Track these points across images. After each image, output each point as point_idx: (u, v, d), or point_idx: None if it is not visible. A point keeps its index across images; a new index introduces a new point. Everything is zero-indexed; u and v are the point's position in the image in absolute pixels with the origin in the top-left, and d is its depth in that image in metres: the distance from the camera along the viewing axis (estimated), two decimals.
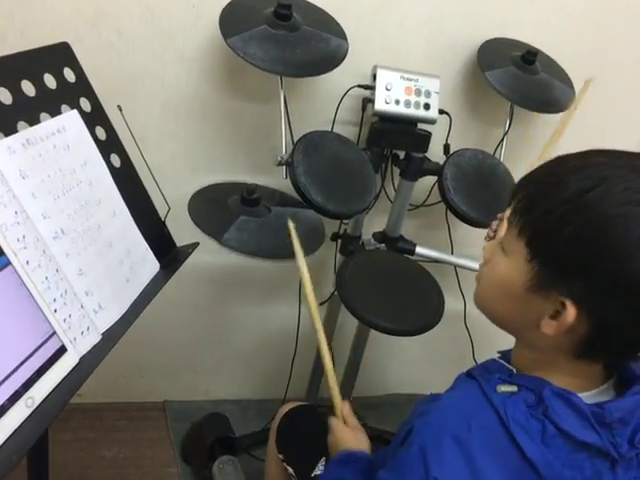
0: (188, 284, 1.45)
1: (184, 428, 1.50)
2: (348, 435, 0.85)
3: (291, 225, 0.92)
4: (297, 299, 1.47)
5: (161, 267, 0.88)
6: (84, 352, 0.67)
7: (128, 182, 0.84)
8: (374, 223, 1.45)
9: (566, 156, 0.60)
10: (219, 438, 1.39)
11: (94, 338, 0.69)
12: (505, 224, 0.63)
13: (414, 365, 1.85)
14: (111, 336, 0.72)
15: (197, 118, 1.25)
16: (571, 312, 0.56)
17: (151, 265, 0.85)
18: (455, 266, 1.48)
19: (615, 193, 0.54)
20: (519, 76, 1.28)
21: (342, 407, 0.90)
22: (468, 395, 0.63)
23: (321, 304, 1.47)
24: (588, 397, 0.61)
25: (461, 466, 0.57)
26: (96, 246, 0.74)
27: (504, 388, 0.60)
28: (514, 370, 0.64)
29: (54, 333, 0.64)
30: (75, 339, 0.66)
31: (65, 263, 0.67)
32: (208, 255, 1.36)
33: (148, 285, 0.84)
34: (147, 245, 0.85)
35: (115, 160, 0.83)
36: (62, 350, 0.65)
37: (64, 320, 0.65)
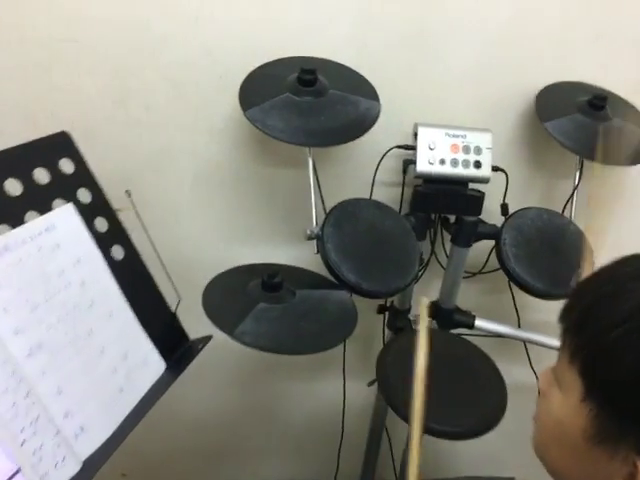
0: (230, 360, 1.38)
1: None
2: None
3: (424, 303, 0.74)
4: (341, 377, 1.35)
5: (169, 366, 0.79)
6: None
7: (132, 275, 0.78)
8: (427, 291, 1.31)
9: (626, 258, 0.46)
10: None
11: (71, 469, 0.61)
12: None
13: (488, 442, 1.64)
14: (95, 461, 0.63)
15: (230, 188, 1.19)
16: None
17: (155, 366, 0.77)
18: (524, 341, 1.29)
19: None
20: (587, 124, 1.11)
21: None
22: None
23: (369, 385, 1.33)
24: None
25: None
26: (83, 356, 0.67)
27: None
28: None
29: (18, 471, 0.56)
30: (46, 474, 0.58)
31: (40, 383, 0.60)
32: None
33: (151, 389, 0.75)
34: (152, 344, 0.77)
35: (117, 252, 0.77)
36: None
37: (33, 453, 0.57)
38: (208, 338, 0.83)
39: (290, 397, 1.47)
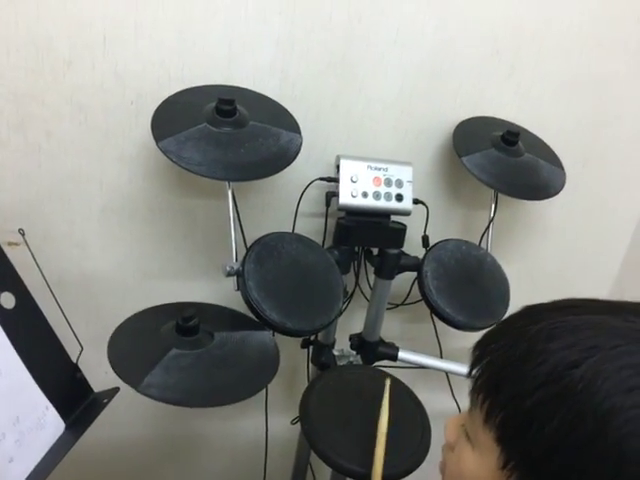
0: (146, 399, 1.28)
1: None
2: None
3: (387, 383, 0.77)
4: (263, 414, 1.30)
5: (70, 424, 0.71)
6: None
7: (25, 324, 0.69)
8: (352, 323, 1.29)
9: (536, 307, 0.45)
10: None
11: None
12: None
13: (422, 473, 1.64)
14: None
15: (143, 220, 1.11)
16: None
17: (52, 427, 0.69)
18: (446, 372, 1.30)
19: (611, 375, 0.38)
20: (501, 159, 1.15)
21: None
22: None
23: (293, 423, 1.29)
24: None
25: None
26: None
27: None
28: None
29: None
30: None
31: None
32: None
33: (49, 451, 0.67)
34: (48, 402, 0.69)
35: (7, 300, 0.68)
36: None
37: None
38: (115, 390, 0.76)
39: (209, 437, 1.40)
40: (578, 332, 0.41)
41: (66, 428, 0.70)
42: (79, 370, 0.75)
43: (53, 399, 0.70)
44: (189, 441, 1.40)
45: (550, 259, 1.40)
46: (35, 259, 0.74)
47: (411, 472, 0.89)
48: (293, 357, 1.28)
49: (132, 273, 1.15)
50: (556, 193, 1.16)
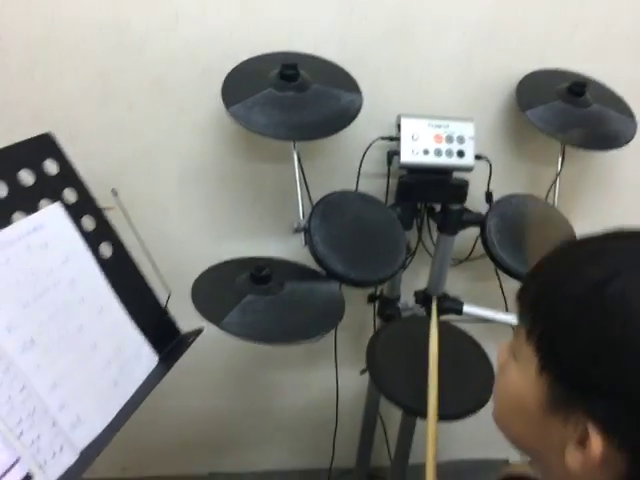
0: (226, 354, 1.40)
1: None
2: None
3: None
4: (334, 366, 1.37)
5: (161, 359, 0.81)
6: (55, 476, 0.61)
7: (121, 272, 0.79)
8: (416, 280, 1.33)
9: (580, 240, 0.48)
10: None
11: (69, 458, 0.63)
12: None
13: (479, 425, 1.67)
14: (92, 451, 0.65)
15: (216, 185, 1.20)
16: (596, 442, 0.42)
17: (147, 360, 0.79)
18: (512, 327, 1.31)
19: (638, 287, 0.42)
20: (567, 111, 1.13)
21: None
22: None
23: (361, 373, 1.36)
24: None
25: None
26: (76, 351, 0.68)
27: None
28: None
29: (18, 460, 0.58)
30: (45, 462, 0.60)
31: (35, 377, 0.62)
32: None
33: (144, 382, 0.77)
34: (144, 339, 0.79)
35: (106, 250, 0.79)
36: (27, 478, 0.58)
37: (31, 443, 0.59)
38: (199, 331, 0.85)
39: (284, 388, 1.49)
40: (615, 255, 0.44)
41: (159, 362, 0.80)
42: (167, 312, 0.85)
43: (147, 336, 0.80)
44: (263, 394, 1.50)
45: (621, 215, 1.36)
46: (126, 214, 0.83)
47: (472, 413, 0.93)
48: (360, 312, 1.34)
49: (208, 235, 1.25)
50: (626, 142, 1.13)
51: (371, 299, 1.29)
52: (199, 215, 1.22)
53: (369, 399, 1.40)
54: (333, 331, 1.33)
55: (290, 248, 1.23)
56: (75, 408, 0.65)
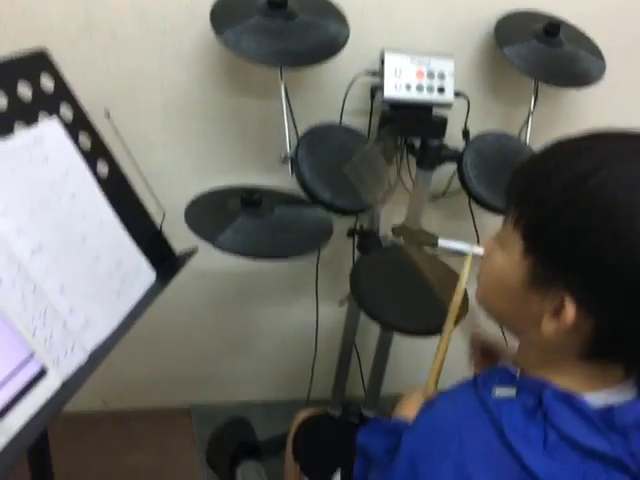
0: (207, 289, 1.43)
1: (210, 432, 1.48)
2: (412, 407, 0.76)
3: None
4: (314, 300, 1.43)
5: (158, 276, 0.84)
6: (68, 373, 0.64)
7: (118, 190, 0.81)
8: (393, 216, 1.38)
9: (567, 139, 0.53)
10: (241, 443, 1.36)
11: (79, 357, 0.66)
12: None
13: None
14: (99, 353, 0.68)
15: (200, 118, 1.21)
16: (570, 311, 0.49)
17: (145, 276, 0.82)
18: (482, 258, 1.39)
19: (619, 179, 0.47)
20: (542, 50, 1.18)
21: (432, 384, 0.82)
22: (463, 403, 0.56)
23: (341, 304, 1.42)
24: (597, 398, 0.53)
25: None
26: (81, 260, 0.71)
27: (500, 392, 0.54)
28: (517, 373, 0.57)
29: (33, 355, 0.61)
30: (57, 360, 0.63)
31: (45, 280, 0.64)
32: (224, 258, 1.33)
33: (142, 297, 0.80)
34: (141, 255, 0.82)
35: (102, 168, 0.80)
36: (42, 373, 0.62)
37: (44, 340, 0.62)
38: (193, 251, 0.88)
39: (263, 322, 1.54)
40: (600, 150, 0.50)
41: (156, 278, 0.83)
42: (162, 233, 0.88)
43: (144, 253, 0.82)
44: (243, 328, 1.55)
45: None
46: (120, 136, 0.84)
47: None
48: (339, 247, 1.39)
49: (192, 169, 1.26)
50: (595, 81, 1.19)
51: (350, 233, 1.34)
52: (183, 148, 1.23)
53: (346, 330, 1.47)
54: (314, 264, 1.38)
55: (274, 182, 1.26)
56: (83, 312, 0.68)
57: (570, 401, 0.51)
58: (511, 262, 0.54)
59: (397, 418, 0.73)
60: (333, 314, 1.50)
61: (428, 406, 0.61)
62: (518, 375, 0.56)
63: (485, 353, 0.78)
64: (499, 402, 0.53)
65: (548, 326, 0.51)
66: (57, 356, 0.63)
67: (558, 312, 0.50)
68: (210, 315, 1.49)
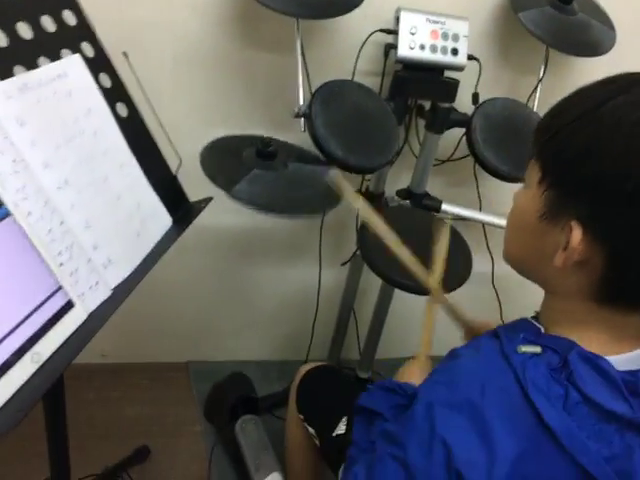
0: (208, 246, 1.43)
1: (206, 388, 1.51)
2: (412, 373, 0.79)
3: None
4: (317, 261, 1.44)
5: (173, 222, 0.84)
6: (93, 307, 0.65)
7: (136, 133, 0.80)
8: (398, 180, 1.39)
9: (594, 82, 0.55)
10: (241, 397, 1.38)
11: (103, 293, 0.67)
12: None
13: (438, 327, 1.80)
14: (122, 291, 0.69)
15: (211, 69, 1.19)
16: (576, 234, 0.51)
17: (163, 220, 0.82)
18: (483, 224, 1.41)
19: (630, 104, 0.49)
20: (555, 17, 1.18)
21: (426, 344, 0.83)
22: (486, 356, 0.57)
23: (343, 264, 1.44)
24: (622, 362, 0.54)
25: (472, 431, 0.51)
26: (103, 198, 0.70)
27: (525, 348, 0.55)
28: (542, 329, 0.59)
29: (60, 288, 0.61)
30: (83, 294, 0.64)
31: (70, 215, 0.64)
32: (227, 216, 1.33)
33: (160, 240, 0.80)
34: (158, 199, 0.81)
35: (122, 110, 0.79)
36: (69, 305, 0.62)
37: (70, 274, 0.63)
38: (209, 199, 0.88)
39: (263, 283, 1.55)
40: (618, 83, 0.52)
41: (173, 223, 0.83)
42: (177, 180, 0.87)
43: (161, 198, 0.82)
44: (243, 287, 1.56)
45: None
46: (137, 78, 0.83)
47: (457, 288, 1.03)
48: (341, 211, 1.39)
49: (200, 122, 1.25)
50: (605, 52, 1.20)
51: None
52: (190, 102, 1.22)
53: (346, 293, 1.50)
54: (317, 225, 1.39)
55: (282, 138, 1.25)
56: (106, 250, 0.68)
57: (595, 363, 0.53)
58: (530, 196, 0.56)
59: (391, 381, 0.75)
60: (333, 276, 1.52)
61: (450, 356, 0.62)
62: (543, 331, 0.58)
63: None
64: (524, 359, 0.54)
65: (558, 258, 0.53)
66: (82, 291, 0.64)
67: (568, 243, 0.52)
68: (210, 272, 1.49)
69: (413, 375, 0.78)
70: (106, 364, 1.56)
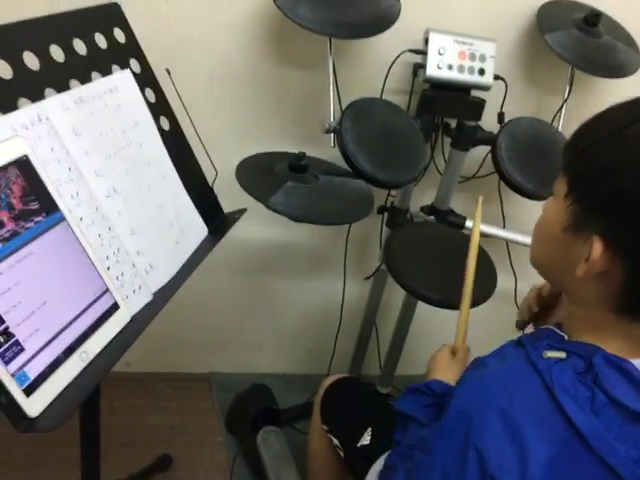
0: (233, 259, 1.46)
1: (228, 399, 1.52)
2: (445, 364, 0.80)
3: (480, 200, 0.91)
4: (342, 275, 1.46)
5: (209, 232, 0.87)
6: (136, 310, 0.67)
7: (177, 146, 0.84)
8: (422, 196, 1.41)
9: (615, 106, 0.57)
10: (263, 409, 1.39)
11: (146, 297, 0.69)
12: None
13: (442, 332, 1.80)
14: (162, 297, 0.72)
15: (245, 86, 1.23)
16: (597, 248, 0.53)
17: (199, 229, 0.85)
18: (507, 242, 1.42)
19: None
20: (581, 39, 1.20)
21: (461, 339, 0.85)
22: (512, 364, 0.59)
23: (366, 279, 1.45)
24: None
25: (504, 437, 0.53)
26: (147, 207, 0.74)
27: (551, 354, 0.57)
28: (565, 336, 0.60)
29: (107, 290, 0.64)
30: (127, 297, 0.66)
31: (117, 222, 0.67)
32: (253, 229, 1.36)
33: (196, 249, 0.83)
34: (196, 210, 0.85)
35: (164, 123, 0.83)
36: (115, 307, 0.65)
37: (117, 278, 0.65)
38: (243, 210, 0.91)
39: (286, 296, 1.57)
40: (637, 105, 0.55)
41: (208, 233, 0.86)
42: (213, 192, 0.91)
43: (198, 208, 0.85)
44: (267, 300, 1.58)
45: None
46: (179, 95, 0.87)
47: (483, 302, 1.04)
48: (367, 226, 1.42)
49: (233, 137, 1.28)
50: (631, 74, 1.21)
51: (381, 210, 1.37)
52: (226, 117, 1.26)
53: (369, 307, 1.51)
54: (341, 238, 1.41)
55: (312, 153, 1.28)
56: (149, 256, 0.71)
57: (620, 366, 0.54)
58: (556, 207, 0.58)
59: (429, 380, 0.76)
60: (356, 291, 1.53)
61: (476, 364, 0.64)
62: (566, 339, 0.60)
63: (544, 303, 0.80)
64: (550, 364, 0.55)
65: (580, 269, 0.55)
66: (127, 294, 0.66)
67: (590, 255, 0.54)
68: (235, 285, 1.52)
69: (443, 368, 0.79)
70: (131, 373, 1.59)
